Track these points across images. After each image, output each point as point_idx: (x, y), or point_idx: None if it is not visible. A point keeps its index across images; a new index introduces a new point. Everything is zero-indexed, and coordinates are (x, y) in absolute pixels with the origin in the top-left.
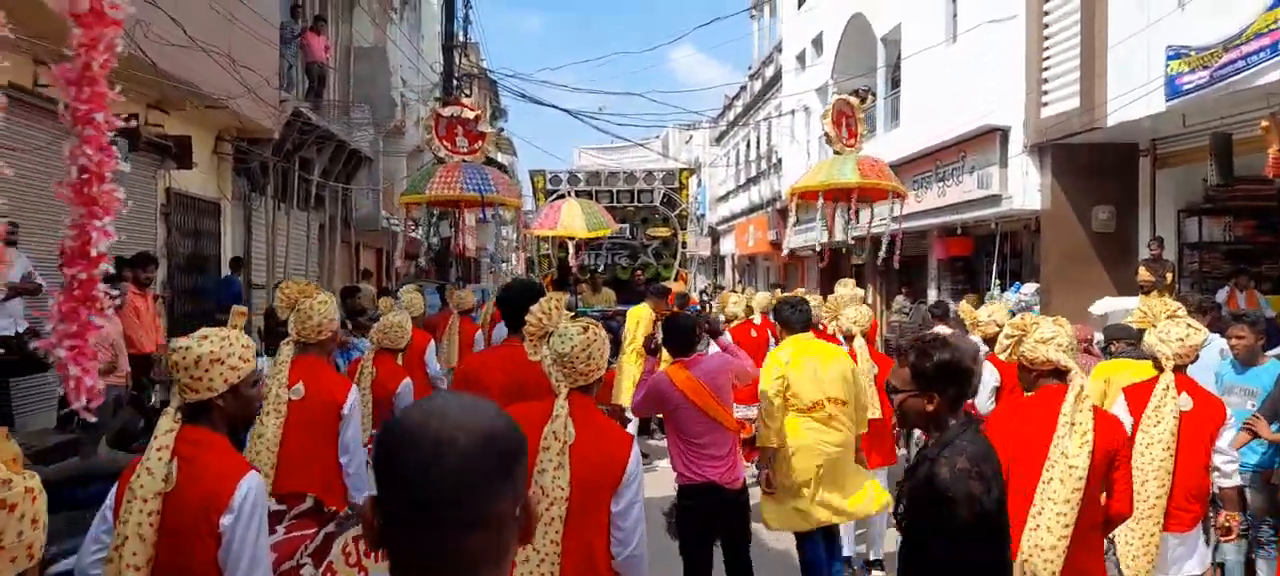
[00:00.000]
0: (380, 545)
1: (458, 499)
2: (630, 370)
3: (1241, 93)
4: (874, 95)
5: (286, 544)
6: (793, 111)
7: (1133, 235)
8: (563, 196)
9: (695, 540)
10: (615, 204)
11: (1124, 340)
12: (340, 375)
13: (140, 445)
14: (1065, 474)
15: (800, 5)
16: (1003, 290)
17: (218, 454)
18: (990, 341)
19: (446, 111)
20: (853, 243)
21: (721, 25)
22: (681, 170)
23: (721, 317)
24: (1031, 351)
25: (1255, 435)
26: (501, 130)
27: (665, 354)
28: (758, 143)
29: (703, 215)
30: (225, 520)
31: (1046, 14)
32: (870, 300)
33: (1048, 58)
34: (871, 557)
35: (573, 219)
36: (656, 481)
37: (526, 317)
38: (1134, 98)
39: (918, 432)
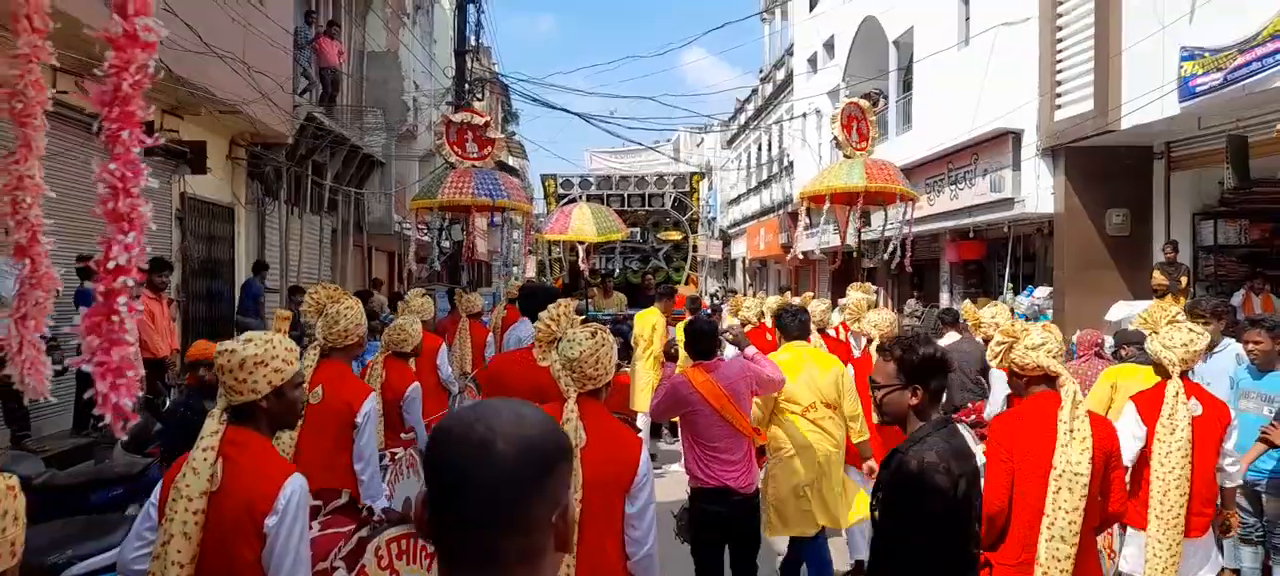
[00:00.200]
0: (429, 538)
1: (493, 500)
2: (646, 375)
3: (1257, 95)
4: (886, 98)
5: (321, 541)
6: (804, 115)
7: (1147, 238)
8: (574, 200)
9: (707, 543)
10: (626, 208)
11: (1134, 345)
12: (361, 382)
13: (154, 449)
14: (1072, 482)
15: (812, 8)
16: (1016, 293)
17: (262, 455)
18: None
19: (457, 117)
20: (865, 246)
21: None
22: (692, 174)
23: (735, 321)
24: (1022, 358)
25: (1273, 444)
26: (513, 134)
27: (683, 357)
28: (769, 146)
29: (714, 218)
30: (270, 521)
31: (1060, 16)
32: (882, 303)
33: (1061, 60)
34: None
35: (583, 223)
36: (667, 486)
37: (536, 324)
38: (1148, 100)
39: None
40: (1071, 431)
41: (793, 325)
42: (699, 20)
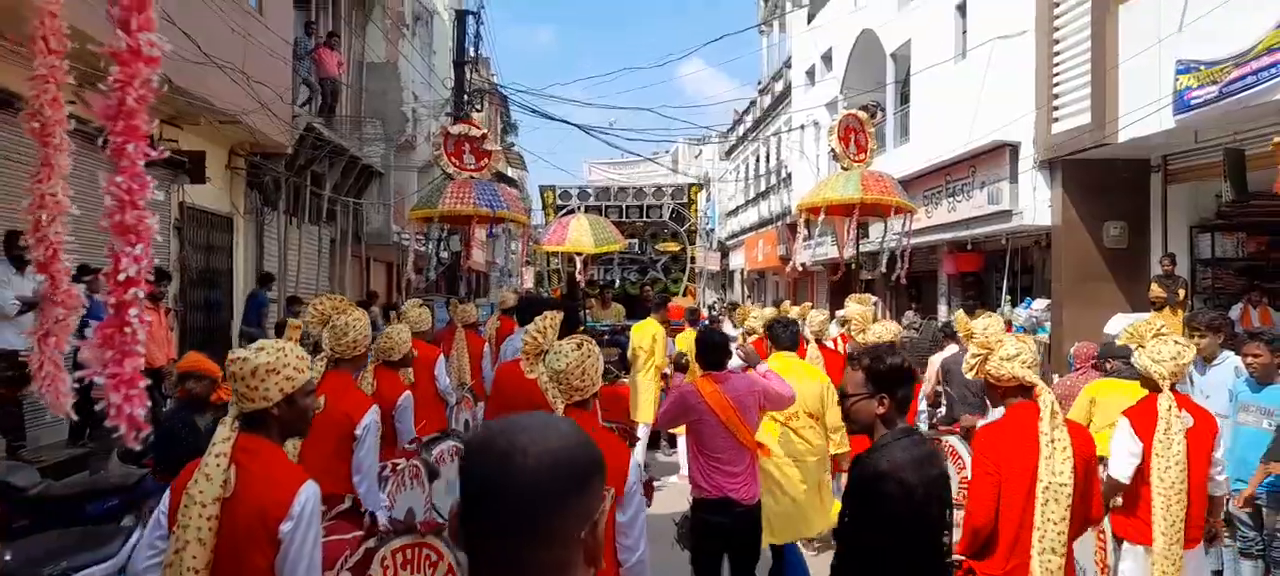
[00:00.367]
0: (462, 547)
1: (520, 511)
2: (647, 387)
3: (1253, 108)
4: (883, 110)
5: (327, 548)
6: (802, 126)
7: (1145, 251)
8: (572, 211)
9: (707, 552)
10: (624, 219)
11: (1119, 359)
12: (363, 394)
13: (149, 460)
14: (1058, 493)
15: (810, 21)
16: (1014, 306)
17: (275, 462)
18: None
19: (455, 129)
20: (863, 258)
21: (731, 41)
22: (690, 185)
23: (740, 331)
24: (996, 368)
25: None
26: (512, 145)
27: (694, 367)
28: (767, 157)
29: (712, 230)
30: (285, 526)
31: (1057, 29)
32: (880, 315)
33: (1058, 73)
34: None
35: (580, 234)
36: (663, 498)
37: (522, 337)
38: (1145, 113)
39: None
40: (1053, 441)
41: (783, 336)
42: (697, 32)
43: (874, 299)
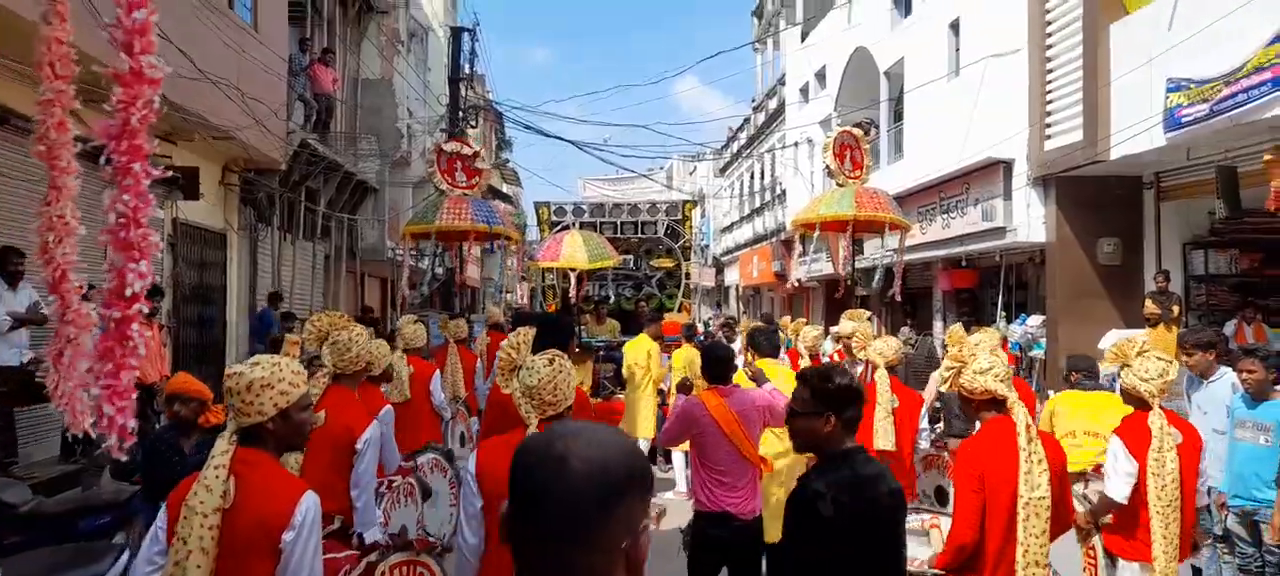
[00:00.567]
0: (510, 550)
1: (568, 516)
2: (645, 402)
3: (1243, 126)
4: (877, 128)
5: (325, 564)
6: (796, 143)
7: (1139, 268)
8: (567, 228)
9: (704, 565)
10: (619, 235)
11: (1081, 371)
12: (364, 409)
13: (141, 477)
14: (1037, 505)
15: (804, 39)
16: (1008, 322)
17: (274, 474)
18: None
19: (448, 147)
20: (858, 274)
21: (725, 58)
22: (685, 201)
23: (738, 345)
24: (970, 382)
25: None
26: (507, 161)
27: (701, 383)
28: (761, 174)
29: (707, 246)
30: (287, 536)
31: (1049, 48)
32: (876, 331)
33: (1051, 91)
34: None
35: (574, 250)
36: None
37: (497, 352)
38: (1137, 131)
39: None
40: (1030, 455)
41: (764, 343)
42: (692, 50)
43: (868, 315)
